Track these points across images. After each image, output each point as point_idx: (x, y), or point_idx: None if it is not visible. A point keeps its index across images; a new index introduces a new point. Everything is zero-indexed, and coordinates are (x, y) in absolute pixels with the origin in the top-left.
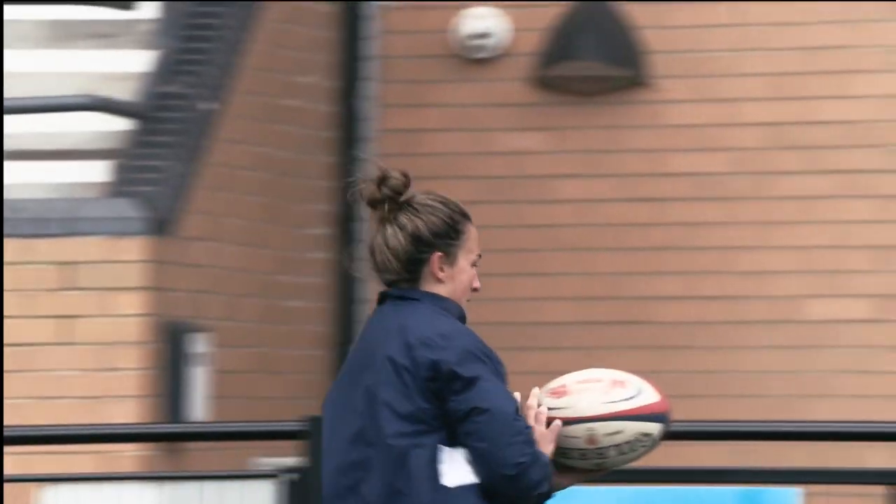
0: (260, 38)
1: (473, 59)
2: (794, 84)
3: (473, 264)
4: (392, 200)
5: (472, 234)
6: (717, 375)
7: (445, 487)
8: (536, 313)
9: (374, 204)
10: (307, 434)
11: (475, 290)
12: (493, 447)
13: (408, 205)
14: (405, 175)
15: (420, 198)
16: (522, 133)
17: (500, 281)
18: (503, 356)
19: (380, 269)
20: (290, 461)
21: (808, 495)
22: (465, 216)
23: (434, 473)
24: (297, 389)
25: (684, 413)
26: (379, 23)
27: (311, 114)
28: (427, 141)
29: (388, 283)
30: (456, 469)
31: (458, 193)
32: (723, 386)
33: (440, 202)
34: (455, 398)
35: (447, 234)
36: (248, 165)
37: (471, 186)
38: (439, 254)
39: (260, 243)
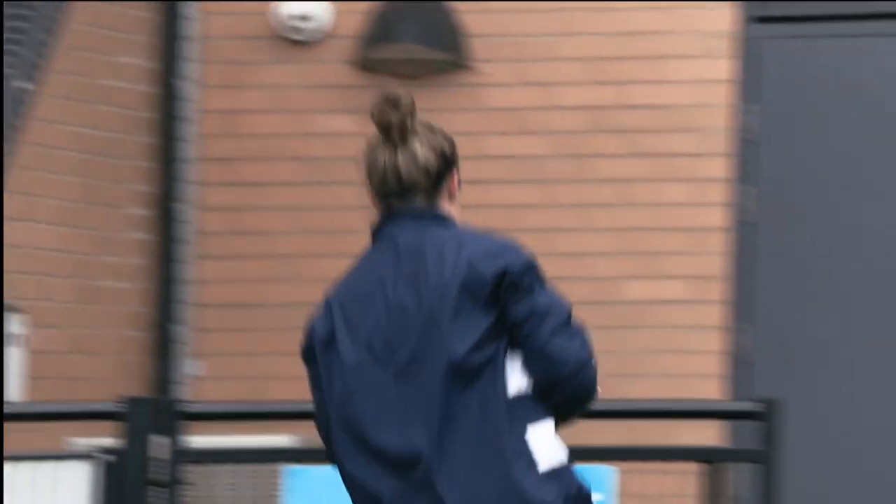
0: (77, 17)
1: (294, 41)
2: (610, 68)
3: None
4: (403, 123)
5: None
6: None
7: (510, 398)
8: None
9: (387, 127)
10: (124, 415)
11: None
12: (556, 348)
13: (417, 127)
14: (412, 97)
15: (418, 121)
16: (343, 115)
17: (322, 262)
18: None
19: (403, 189)
20: (107, 442)
21: (623, 473)
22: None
23: (505, 385)
24: (115, 370)
25: None
26: (198, 3)
27: (129, 94)
28: (247, 122)
29: (402, 207)
30: (512, 378)
31: (278, 175)
32: None
33: (435, 126)
34: (517, 304)
35: (455, 153)
36: (65, 145)
37: (291, 168)
38: (455, 170)
39: (77, 224)
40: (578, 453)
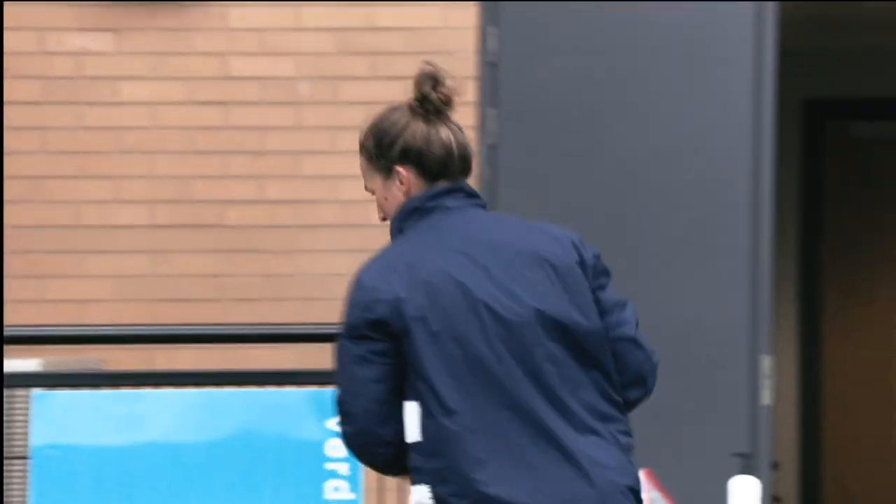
0: None
1: None
2: None
3: None
4: (452, 100)
5: None
6: (286, 279)
7: None
8: (104, 217)
9: (442, 103)
10: None
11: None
12: (642, 335)
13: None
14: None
15: None
16: (83, 33)
17: (67, 183)
18: (69, 260)
19: (464, 168)
20: None
21: None
22: None
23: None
24: None
25: (252, 317)
26: None
27: None
28: None
29: (458, 184)
30: None
31: (16, 94)
32: (292, 289)
33: None
34: (605, 290)
35: None
36: None
37: (30, 86)
38: None
39: None
40: (331, 376)
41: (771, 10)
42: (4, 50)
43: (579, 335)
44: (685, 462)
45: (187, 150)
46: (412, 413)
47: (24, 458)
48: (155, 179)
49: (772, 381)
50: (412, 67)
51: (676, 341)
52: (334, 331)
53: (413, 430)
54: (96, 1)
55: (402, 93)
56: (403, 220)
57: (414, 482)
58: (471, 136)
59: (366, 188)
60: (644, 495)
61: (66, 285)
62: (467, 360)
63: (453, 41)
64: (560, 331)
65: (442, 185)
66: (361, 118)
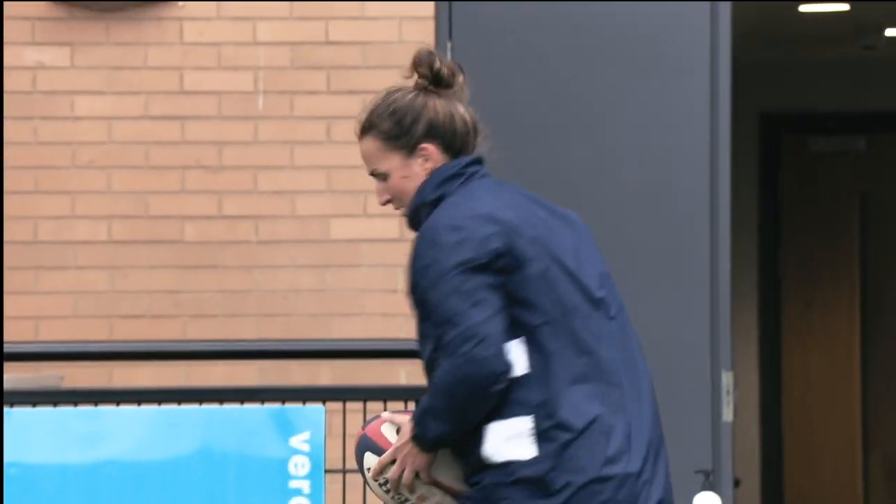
0: None
1: None
2: (313, 5)
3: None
4: (447, 81)
5: None
6: (245, 295)
7: None
8: (61, 232)
9: (450, 78)
10: None
11: (382, 203)
12: None
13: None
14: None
15: None
16: (39, 47)
17: (23, 199)
18: (26, 276)
19: (475, 143)
20: None
21: (333, 413)
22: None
23: None
24: None
25: (211, 333)
26: None
27: None
28: None
29: (476, 156)
30: None
31: None
32: (251, 305)
33: None
34: None
35: None
36: None
37: None
38: None
39: None
40: (292, 393)
41: (725, 11)
42: None
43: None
44: None
45: (144, 165)
46: (518, 349)
47: None
48: (112, 195)
49: (733, 396)
50: (369, 82)
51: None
52: (294, 347)
53: (521, 363)
54: (51, 16)
55: (359, 106)
56: (440, 186)
57: (514, 414)
58: None
59: (372, 173)
60: None
61: (23, 302)
62: (566, 301)
63: (409, 55)
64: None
65: (465, 157)
66: (319, 132)
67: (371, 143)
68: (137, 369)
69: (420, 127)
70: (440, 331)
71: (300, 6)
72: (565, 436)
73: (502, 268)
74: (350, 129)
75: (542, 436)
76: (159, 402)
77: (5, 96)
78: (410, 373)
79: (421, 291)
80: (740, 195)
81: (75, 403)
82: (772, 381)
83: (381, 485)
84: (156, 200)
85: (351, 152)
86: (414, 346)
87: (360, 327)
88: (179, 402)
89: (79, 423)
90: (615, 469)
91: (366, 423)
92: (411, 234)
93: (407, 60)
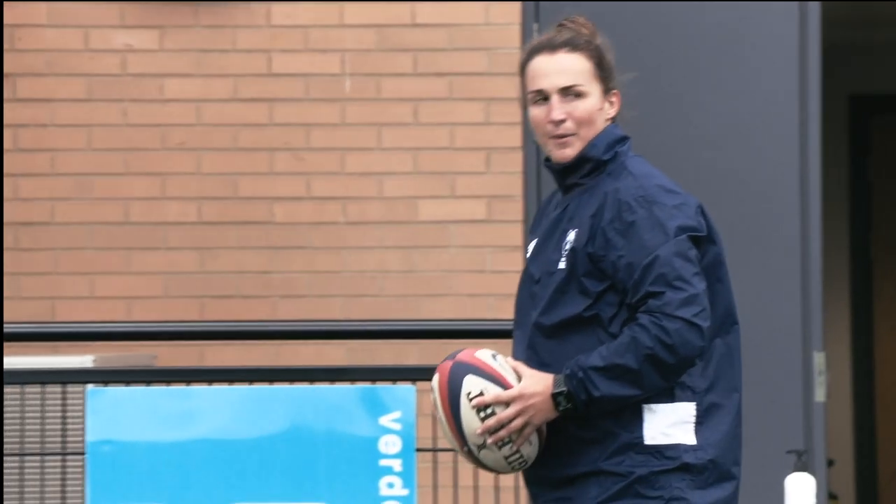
0: None
1: None
2: None
3: (535, 101)
4: None
5: (529, 70)
6: (333, 276)
7: None
8: (152, 213)
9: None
10: None
11: (553, 124)
12: None
13: None
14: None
15: None
16: (128, 30)
17: (114, 181)
18: (118, 256)
19: None
20: None
21: (423, 392)
22: (531, 51)
23: None
24: None
25: (300, 314)
26: None
27: None
28: (29, 36)
29: None
30: None
31: (63, 92)
32: (339, 286)
33: None
34: None
35: (521, 79)
36: None
37: (76, 84)
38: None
39: None
40: (383, 373)
41: (815, 9)
42: (51, 48)
43: None
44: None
45: (233, 147)
46: None
47: (81, 453)
48: (201, 176)
49: (825, 377)
50: (455, 64)
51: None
52: (384, 327)
53: None
54: (138, 0)
55: (447, 89)
56: (612, 146)
57: (681, 399)
58: (517, 134)
59: (568, 88)
60: None
61: (115, 282)
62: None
63: (496, 38)
64: None
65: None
66: (406, 114)
67: (580, 62)
68: (228, 349)
69: (615, 76)
70: (656, 288)
71: None
72: (723, 426)
73: (701, 242)
74: (437, 112)
75: (702, 423)
76: (250, 381)
77: (96, 78)
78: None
79: (636, 247)
80: (830, 178)
81: (167, 383)
82: (864, 364)
83: (481, 416)
84: (245, 182)
85: (438, 134)
86: (501, 326)
87: (447, 308)
88: (270, 381)
89: (171, 402)
90: (738, 471)
91: (447, 357)
92: (499, 215)
93: (493, 43)
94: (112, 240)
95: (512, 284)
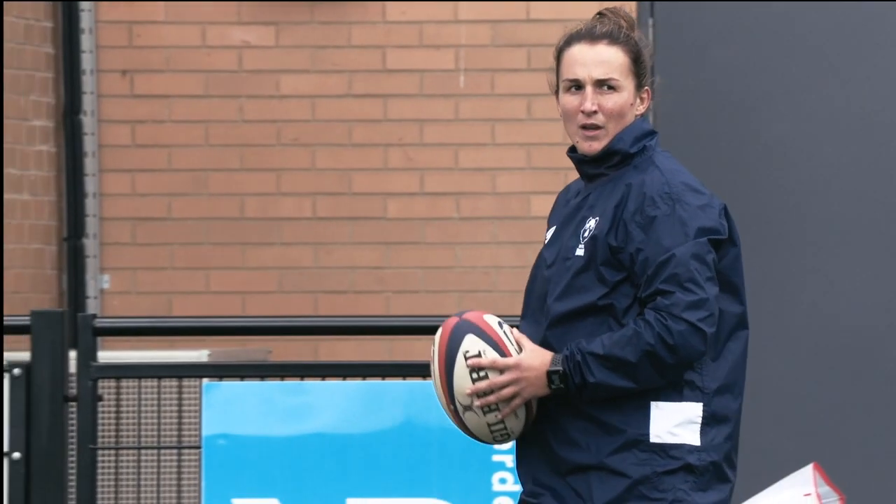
0: None
1: None
2: None
3: (569, 89)
4: None
5: (566, 57)
6: (447, 271)
7: None
8: (265, 209)
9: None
10: (34, 329)
11: (585, 115)
12: None
13: None
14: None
15: None
16: (245, 27)
17: (229, 176)
18: (234, 252)
19: None
20: (22, 356)
21: None
22: (570, 38)
23: None
24: (22, 284)
25: (413, 309)
26: None
27: (28, 3)
28: (148, 33)
29: None
30: None
31: (180, 87)
32: (453, 281)
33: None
34: None
35: (556, 63)
36: None
37: (194, 80)
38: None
39: None
40: None
41: None
42: (168, 44)
43: None
44: (856, 459)
45: (347, 143)
46: None
47: (197, 447)
48: (316, 171)
49: None
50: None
51: (846, 344)
52: None
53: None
54: None
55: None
56: (640, 139)
57: (688, 398)
58: None
59: (603, 81)
60: (813, 489)
61: (230, 277)
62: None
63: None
64: None
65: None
66: (519, 110)
67: (619, 56)
68: (342, 344)
69: (650, 74)
70: (666, 287)
71: None
72: (725, 429)
73: (721, 245)
74: (551, 108)
75: (707, 424)
76: (364, 376)
77: (212, 74)
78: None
79: (653, 243)
80: None
81: (281, 377)
82: None
83: (474, 377)
84: (359, 177)
85: (551, 130)
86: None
87: None
88: (383, 376)
89: (285, 396)
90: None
91: (456, 314)
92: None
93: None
94: (227, 235)
95: None
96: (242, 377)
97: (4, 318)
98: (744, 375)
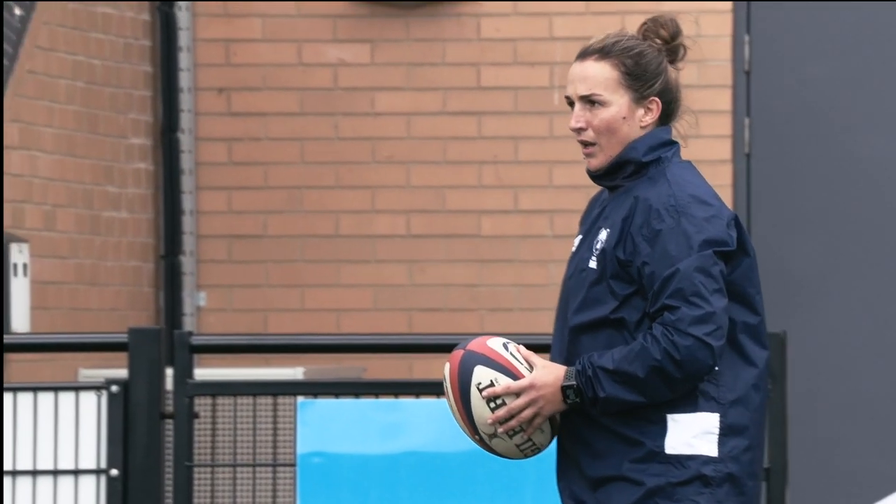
0: None
1: None
2: (607, 4)
3: (570, 104)
4: (679, 57)
5: (570, 72)
6: (541, 289)
7: None
8: (360, 226)
9: (672, 47)
10: (130, 346)
11: (574, 132)
12: None
13: None
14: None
15: None
16: (340, 45)
17: (323, 193)
18: (327, 269)
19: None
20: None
21: None
22: (577, 55)
23: None
24: (121, 302)
25: (508, 327)
26: None
27: (127, 22)
28: (245, 51)
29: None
30: None
31: (276, 105)
32: (547, 299)
33: None
34: None
35: None
36: (64, 74)
37: (289, 98)
38: None
39: (78, 153)
40: None
41: None
42: (265, 62)
43: None
44: None
45: (442, 160)
46: None
47: (291, 465)
48: (410, 189)
49: None
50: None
51: None
52: None
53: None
54: (353, 13)
55: None
56: (655, 149)
57: (701, 409)
58: (726, 147)
59: (587, 97)
60: None
61: (325, 294)
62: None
63: (707, 50)
64: None
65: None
66: None
67: (605, 70)
68: (436, 361)
69: (658, 84)
70: (672, 302)
71: (596, 4)
72: (745, 441)
73: (731, 256)
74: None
75: (725, 435)
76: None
77: (308, 92)
78: None
79: (659, 257)
80: None
81: (376, 395)
82: None
83: (491, 406)
84: (453, 195)
85: None
86: None
87: None
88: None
89: (379, 414)
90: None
91: (458, 346)
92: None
93: (704, 55)
94: (322, 253)
95: None
96: (337, 395)
97: (97, 333)
98: (762, 390)
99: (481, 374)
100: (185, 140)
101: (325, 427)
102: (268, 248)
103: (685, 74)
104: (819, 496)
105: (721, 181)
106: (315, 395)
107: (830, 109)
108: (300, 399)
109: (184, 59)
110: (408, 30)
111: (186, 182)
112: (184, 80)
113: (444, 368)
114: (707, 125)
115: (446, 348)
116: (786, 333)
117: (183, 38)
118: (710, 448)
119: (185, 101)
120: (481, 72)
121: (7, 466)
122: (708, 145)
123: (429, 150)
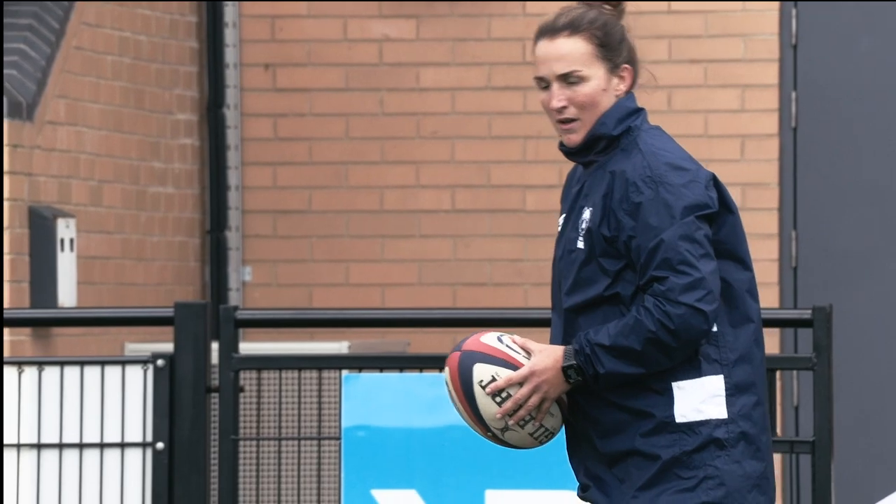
0: None
1: None
2: None
3: (540, 87)
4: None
5: (535, 54)
6: None
7: None
8: (405, 201)
9: (619, 11)
10: (176, 321)
11: (556, 111)
12: None
13: None
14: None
15: None
16: (385, 21)
17: (368, 169)
18: (372, 244)
19: None
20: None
21: None
22: (537, 34)
23: None
24: (167, 276)
25: (547, 301)
26: None
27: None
28: (290, 27)
29: None
30: None
31: (321, 81)
32: None
33: None
34: None
35: None
36: (110, 50)
37: (335, 73)
38: None
39: (125, 129)
40: None
41: None
42: (310, 38)
43: None
44: None
45: (486, 136)
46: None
47: (336, 438)
48: (455, 164)
49: None
50: (710, 51)
51: None
52: None
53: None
54: None
55: (702, 77)
56: (624, 120)
57: (705, 373)
58: (773, 121)
59: (566, 75)
60: None
61: (369, 269)
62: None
63: (753, 24)
64: None
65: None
66: (660, 102)
67: (579, 45)
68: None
69: (625, 50)
70: (660, 273)
71: None
72: (753, 397)
73: (714, 217)
74: (692, 99)
75: (732, 395)
76: None
77: (353, 68)
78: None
79: (642, 229)
80: None
81: (420, 369)
82: None
83: (497, 401)
84: (498, 170)
85: (692, 121)
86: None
87: None
88: None
89: (423, 388)
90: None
91: (454, 348)
92: (753, 203)
93: (748, 28)
94: (367, 227)
95: (767, 272)
96: (381, 369)
97: (143, 308)
98: (762, 343)
99: (481, 371)
100: (230, 116)
101: (369, 401)
102: (313, 223)
103: (732, 48)
104: (864, 470)
105: (767, 155)
106: (360, 369)
107: (877, 83)
108: (345, 373)
109: (230, 35)
110: (452, 5)
111: (232, 157)
112: (229, 55)
113: (444, 373)
114: (753, 99)
115: (490, 323)
116: (832, 307)
117: (229, 14)
118: (719, 411)
119: (230, 76)
120: (526, 47)
121: (55, 440)
122: (754, 119)
123: (473, 125)
